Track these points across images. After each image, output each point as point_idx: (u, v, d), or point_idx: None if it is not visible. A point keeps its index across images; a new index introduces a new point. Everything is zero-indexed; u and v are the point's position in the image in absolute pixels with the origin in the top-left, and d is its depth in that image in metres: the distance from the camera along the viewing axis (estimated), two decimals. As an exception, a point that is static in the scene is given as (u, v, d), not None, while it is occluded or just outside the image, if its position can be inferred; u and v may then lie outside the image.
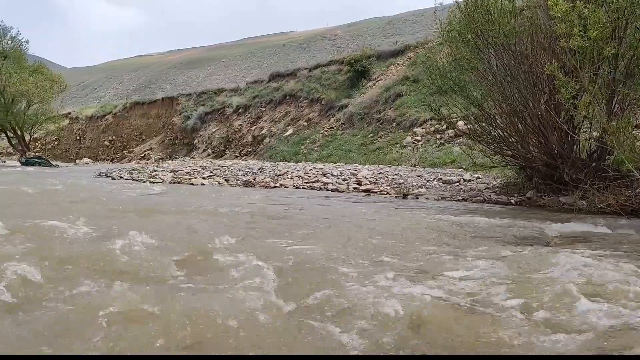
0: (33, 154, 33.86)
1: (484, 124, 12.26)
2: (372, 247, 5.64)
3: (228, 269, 4.23)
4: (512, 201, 11.33)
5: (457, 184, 13.97)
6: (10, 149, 41.88)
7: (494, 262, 4.71)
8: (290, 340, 2.78)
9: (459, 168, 16.96)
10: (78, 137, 47.60)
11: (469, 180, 14.18)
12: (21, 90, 31.50)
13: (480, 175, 14.58)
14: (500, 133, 11.82)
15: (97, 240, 5.23)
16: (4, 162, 37.64)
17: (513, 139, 11.63)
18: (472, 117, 12.50)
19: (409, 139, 22.33)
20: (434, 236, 6.66)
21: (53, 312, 2.91)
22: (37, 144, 45.62)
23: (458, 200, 12.09)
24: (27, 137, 35.62)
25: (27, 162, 30.37)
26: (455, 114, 13.47)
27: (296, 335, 2.83)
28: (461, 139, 19.24)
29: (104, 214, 7.55)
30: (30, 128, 34.98)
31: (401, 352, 2.53)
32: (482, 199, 11.87)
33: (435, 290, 3.76)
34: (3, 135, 35.08)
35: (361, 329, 2.95)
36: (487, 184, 13.52)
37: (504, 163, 12.58)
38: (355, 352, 2.62)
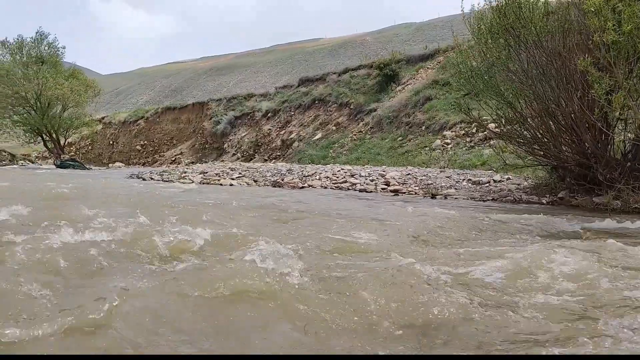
0: (67, 156, 34.68)
1: (515, 125, 12.09)
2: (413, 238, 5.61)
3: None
4: (544, 201, 11.13)
5: (487, 184, 13.79)
6: (46, 153, 42.97)
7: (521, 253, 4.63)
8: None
9: (489, 170, 16.72)
10: (111, 142, 48.54)
11: (499, 181, 13.98)
12: (57, 94, 32.27)
13: (510, 177, 14.37)
14: (532, 133, 11.63)
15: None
16: (40, 165, 38.62)
17: (545, 139, 11.42)
18: (503, 118, 12.34)
19: (438, 142, 22.16)
20: (468, 229, 6.60)
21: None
22: (71, 148, 46.67)
23: (488, 200, 11.92)
24: (61, 141, 36.45)
25: (61, 165, 31.10)
26: (486, 117, 13.32)
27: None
28: (492, 142, 19.04)
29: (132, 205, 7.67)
30: (64, 132, 35.81)
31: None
32: (512, 199, 11.68)
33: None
34: (39, 138, 35.93)
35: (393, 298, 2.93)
36: (518, 184, 13.31)
37: (536, 163, 12.38)
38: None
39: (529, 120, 11.66)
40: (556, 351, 2.13)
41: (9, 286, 2.78)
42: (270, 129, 36.69)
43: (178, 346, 2.02)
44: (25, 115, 33.87)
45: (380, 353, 0.97)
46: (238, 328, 2.50)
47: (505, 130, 12.57)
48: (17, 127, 34.47)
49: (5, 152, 36.88)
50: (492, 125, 15.06)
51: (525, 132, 11.91)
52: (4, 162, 35.45)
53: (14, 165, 34.49)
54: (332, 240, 5.12)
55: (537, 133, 11.49)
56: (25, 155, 43.24)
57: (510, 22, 10.70)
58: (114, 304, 2.43)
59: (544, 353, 2.19)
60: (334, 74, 37.63)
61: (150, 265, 3.82)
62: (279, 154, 33.59)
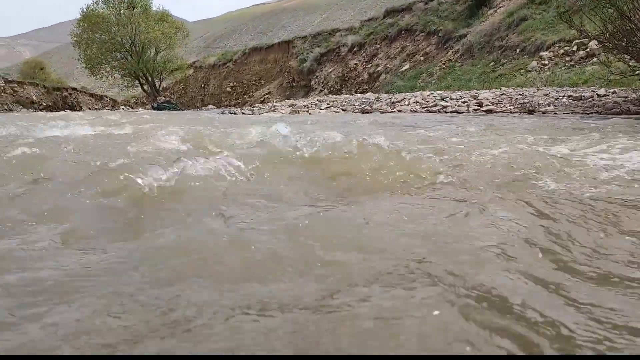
0: (163, 99, 36.19)
1: (625, 38, 11.15)
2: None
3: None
4: (655, 110, 10.30)
5: (590, 99, 12.91)
6: (144, 99, 45.07)
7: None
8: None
9: (592, 86, 15.63)
10: (202, 85, 49.97)
11: (604, 96, 13.04)
12: (149, 38, 33.41)
13: (616, 90, 13.35)
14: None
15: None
16: (136, 109, 40.68)
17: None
18: (612, 30, 11.39)
19: (534, 63, 20.88)
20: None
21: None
22: (166, 92, 48.59)
23: (591, 114, 11.21)
24: (157, 84, 37.99)
25: (158, 107, 32.53)
26: (590, 32, 12.35)
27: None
28: (594, 59, 17.72)
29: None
30: (159, 75, 37.24)
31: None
32: (619, 110, 10.91)
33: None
34: (136, 82, 37.61)
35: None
36: (625, 97, 12.36)
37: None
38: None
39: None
40: None
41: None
42: (356, 64, 36.19)
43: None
44: (122, 60, 35.43)
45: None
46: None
47: (615, 42, 11.64)
48: (116, 71, 36.20)
49: (107, 97, 39.01)
50: (593, 43, 13.99)
51: (635, 38, 10.97)
52: (107, 108, 37.61)
53: (120, 109, 36.54)
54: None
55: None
56: (125, 101, 45.61)
57: None
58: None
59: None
60: (421, 2, 36.15)
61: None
62: (366, 87, 33.16)
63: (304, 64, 39.96)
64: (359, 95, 22.91)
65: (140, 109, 41.81)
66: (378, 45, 35.66)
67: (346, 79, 35.97)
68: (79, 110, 29.99)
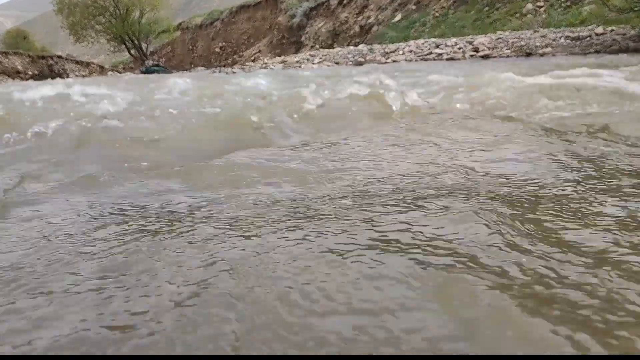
0: (152, 62, 35.51)
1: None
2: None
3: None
4: (656, 45, 10.07)
5: (588, 38, 12.65)
6: (131, 64, 44.22)
7: None
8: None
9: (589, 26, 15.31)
10: (190, 47, 49.00)
11: (602, 34, 12.76)
12: (133, 0, 32.57)
13: (614, 28, 13.07)
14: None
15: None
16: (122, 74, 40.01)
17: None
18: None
19: (529, 6, 20.43)
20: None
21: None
22: (153, 56, 47.69)
23: (590, 53, 10.99)
24: (144, 47, 37.23)
25: (147, 71, 31.92)
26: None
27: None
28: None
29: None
30: (145, 38, 36.46)
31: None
32: (618, 48, 10.69)
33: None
34: (123, 47, 36.85)
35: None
36: (624, 34, 12.10)
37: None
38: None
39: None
40: None
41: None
42: (347, 17, 35.42)
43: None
44: (107, 24, 34.64)
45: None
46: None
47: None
48: (101, 36, 35.43)
49: (94, 64, 38.24)
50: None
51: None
52: (94, 74, 36.90)
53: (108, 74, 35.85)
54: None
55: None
56: (113, 67, 44.76)
57: None
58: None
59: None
60: (410, -51, 35.11)
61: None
62: (358, 40, 32.50)
63: (294, 20, 39.10)
64: (352, 47, 22.48)
65: (128, 74, 41.12)
66: (368, -4, 34.84)
67: (337, 33, 35.24)
68: (65, 78, 29.43)
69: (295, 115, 3.82)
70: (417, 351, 0.91)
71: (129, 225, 1.72)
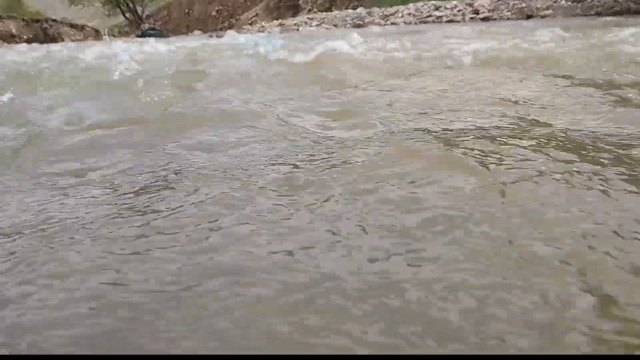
0: (148, 26, 35.04)
1: None
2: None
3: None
4: (658, 6, 9.96)
5: (589, 0, 12.49)
6: (126, 28, 43.58)
7: None
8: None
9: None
10: (186, 10, 48.24)
11: (604, -4, 12.60)
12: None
13: (616, -11, 12.89)
14: None
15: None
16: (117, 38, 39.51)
17: None
18: None
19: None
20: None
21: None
22: (150, 20, 47.00)
23: (591, 15, 10.88)
24: (139, 11, 36.66)
25: (142, 35, 31.52)
26: None
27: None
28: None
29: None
30: (141, 0, 35.88)
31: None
32: (619, 9, 10.57)
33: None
34: (118, 10, 36.31)
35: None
36: (626, -4, 11.95)
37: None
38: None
39: None
40: None
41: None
42: (345, -21, 34.86)
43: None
44: (100, -15, 34.11)
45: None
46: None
47: None
48: (95, -2, 34.91)
49: (89, 27, 37.73)
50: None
51: None
52: (90, 38, 36.41)
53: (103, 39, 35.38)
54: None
55: None
56: (109, 30, 44.14)
57: None
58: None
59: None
60: None
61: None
62: (356, 3, 32.03)
63: (291, -17, 38.45)
64: (350, 10, 22.17)
65: (124, 38, 40.58)
66: (367, -42, 34.21)
67: (335, -5, 34.73)
68: (60, 42, 29.06)
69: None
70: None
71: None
